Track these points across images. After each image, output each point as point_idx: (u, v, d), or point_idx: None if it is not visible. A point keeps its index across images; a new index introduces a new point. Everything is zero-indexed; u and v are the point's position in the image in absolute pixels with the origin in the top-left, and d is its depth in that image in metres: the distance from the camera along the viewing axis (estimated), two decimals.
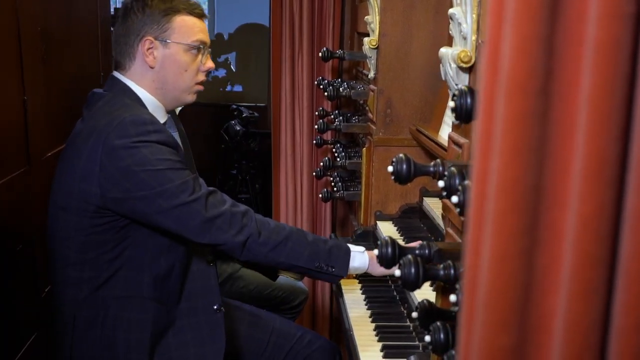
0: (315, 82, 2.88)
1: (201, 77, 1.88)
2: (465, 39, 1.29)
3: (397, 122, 2.35)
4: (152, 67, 1.80)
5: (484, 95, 0.42)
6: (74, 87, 2.61)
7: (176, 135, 1.96)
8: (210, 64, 1.89)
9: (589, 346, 0.37)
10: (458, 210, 1.07)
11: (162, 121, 1.86)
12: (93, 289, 1.74)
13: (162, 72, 1.81)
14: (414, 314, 1.27)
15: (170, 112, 1.95)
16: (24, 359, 2.03)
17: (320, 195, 2.70)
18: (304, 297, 2.71)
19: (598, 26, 0.34)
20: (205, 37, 1.86)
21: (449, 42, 2.23)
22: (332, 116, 2.76)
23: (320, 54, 2.65)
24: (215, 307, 1.87)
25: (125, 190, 1.63)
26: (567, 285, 0.38)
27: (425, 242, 1.26)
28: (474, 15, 1.26)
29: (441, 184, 1.15)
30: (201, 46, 1.84)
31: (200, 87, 1.90)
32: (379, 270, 1.89)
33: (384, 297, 2.05)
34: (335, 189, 2.69)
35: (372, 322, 1.88)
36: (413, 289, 1.17)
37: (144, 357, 1.75)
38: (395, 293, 2.08)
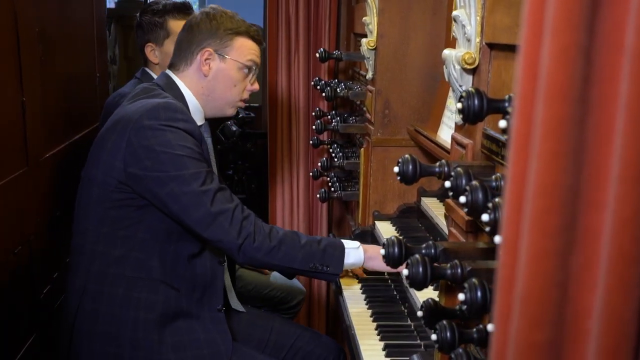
0: (312, 83, 2.89)
1: (246, 95, 2.03)
2: (469, 40, 1.31)
3: (395, 122, 2.37)
4: (205, 76, 1.95)
5: (521, 101, 0.43)
6: (71, 88, 2.60)
7: (210, 141, 2.05)
8: (256, 85, 2.05)
9: (624, 341, 0.39)
10: (466, 210, 1.09)
11: (198, 124, 1.93)
12: (104, 264, 1.81)
13: (213, 82, 1.95)
14: (419, 313, 1.28)
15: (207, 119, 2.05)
16: None
17: (318, 196, 2.71)
18: (302, 297, 2.72)
19: (636, 34, 0.36)
20: (258, 60, 2.02)
21: (447, 43, 2.27)
22: (329, 117, 2.78)
23: (317, 55, 2.66)
24: (218, 306, 1.92)
25: (144, 168, 1.73)
26: (603, 283, 0.40)
27: (430, 242, 1.27)
28: (478, 18, 1.28)
29: (447, 184, 1.17)
30: (253, 67, 1.99)
31: (242, 104, 2.05)
32: (374, 265, 1.93)
33: (384, 296, 2.07)
34: (332, 189, 2.70)
35: (374, 321, 1.90)
36: (421, 288, 1.19)
37: (153, 335, 1.79)
38: (395, 292, 2.10)
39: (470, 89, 1.08)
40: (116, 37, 4.31)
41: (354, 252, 1.90)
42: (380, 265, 1.93)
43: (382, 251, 1.27)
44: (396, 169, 1.26)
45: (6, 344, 1.91)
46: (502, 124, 0.92)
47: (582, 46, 0.39)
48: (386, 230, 2.29)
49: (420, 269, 1.16)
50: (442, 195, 2.28)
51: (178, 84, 1.96)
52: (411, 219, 2.36)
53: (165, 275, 1.84)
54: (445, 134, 2.02)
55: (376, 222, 2.38)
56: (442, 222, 1.99)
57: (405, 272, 1.18)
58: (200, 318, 1.88)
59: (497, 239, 0.88)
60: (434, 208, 2.16)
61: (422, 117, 2.35)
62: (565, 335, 0.43)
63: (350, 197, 2.65)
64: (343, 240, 1.92)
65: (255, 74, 2.02)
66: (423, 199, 2.30)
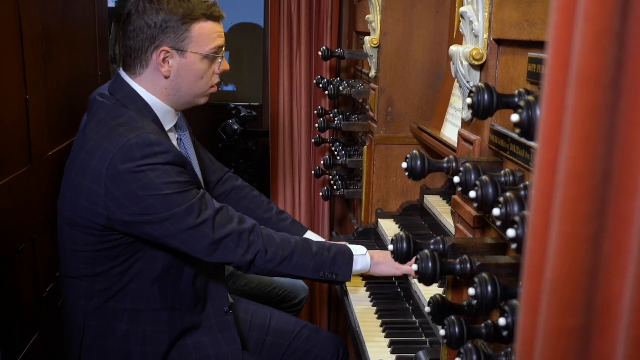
0: (314, 81, 2.89)
1: (216, 79, 1.83)
2: (476, 37, 1.31)
3: (398, 120, 2.37)
4: (166, 77, 1.74)
5: (551, 88, 0.44)
6: (72, 87, 2.60)
7: (187, 135, 1.94)
8: (225, 65, 1.83)
9: None
10: (476, 205, 1.09)
11: (172, 124, 1.84)
12: (103, 300, 1.74)
13: (177, 81, 1.75)
14: (427, 309, 1.29)
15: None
16: (27, 359, 2.02)
17: (321, 194, 2.72)
18: (305, 294, 2.72)
19: None
20: (222, 41, 1.80)
21: (450, 41, 2.27)
22: (332, 115, 2.78)
23: (320, 53, 2.66)
24: (225, 309, 1.89)
25: (133, 214, 1.60)
26: (634, 269, 0.40)
27: (439, 238, 1.27)
28: (486, 14, 1.28)
29: (457, 179, 1.17)
30: (218, 52, 1.78)
31: (214, 89, 1.85)
32: (381, 270, 1.92)
33: (388, 293, 2.07)
34: (335, 187, 2.70)
35: (378, 318, 1.90)
36: (430, 284, 1.19)
37: None
38: (399, 290, 2.10)
39: (480, 84, 1.08)
40: (116, 37, 4.31)
41: (362, 259, 1.88)
42: (386, 270, 1.92)
43: (391, 247, 1.27)
44: (404, 165, 1.26)
45: (10, 341, 1.91)
46: (515, 118, 0.92)
47: (615, 32, 0.39)
48: (389, 228, 2.30)
49: (430, 264, 1.16)
50: (445, 193, 2.29)
51: (139, 91, 1.75)
52: (414, 217, 2.36)
53: (167, 300, 1.78)
54: (449, 131, 2.03)
55: (379, 220, 2.38)
56: (445, 220, 1.99)
57: (414, 267, 1.18)
58: (208, 327, 1.85)
59: (510, 232, 0.89)
60: (437, 206, 2.16)
61: (425, 115, 2.36)
62: (595, 322, 0.43)
63: (353, 195, 2.65)
64: (351, 247, 1.90)
65: (221, 57, 1.80)
66: (426, 196, 2.30)
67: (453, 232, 1.82)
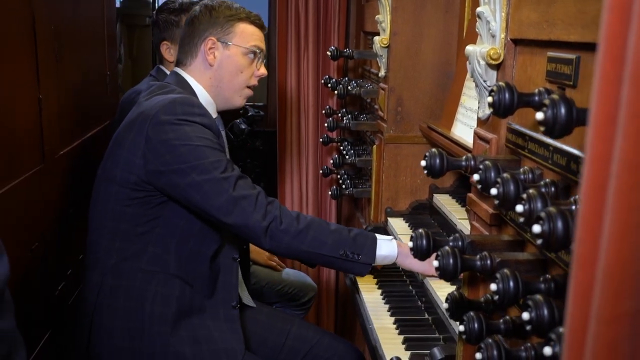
0: (322, 81, 2.91)
1: (253, 81, 2.01)
2: (493, 36, 1.33)
3: (407, 119, 2.39)
4: (211, 65, 1.95)
5: (604, 84, 0.45)
6: (83, 86, 2.61)
7: (224, 134, 2.04)
8: (263, 70, 2.02)
9: None
10: (497, 202, 1.10)
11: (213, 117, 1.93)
12: (121, 259, 1.83)
13: (220, 71, 1.95)
14: (444, 305, 1.30)
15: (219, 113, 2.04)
16: (40, 358, 2.03)
17: (329, 193, 2.73)
18: (314, 293, 2.74)
19: None
20: (262, 45, 2.00)
21: (459, 40, 2.29)
22: (340, 114, 2.80)
23: (328, 53, 2.67)
24: (233, 303, 1.92)
25: (165, 163, 1.74)
26: None
27: (458, 234, 1.29)
28: (503, 14, 1.30)
29: (476, 177, 1.19)
30: (258, 51, 1.98)
31: (250, 92, 2.03)
32: (411, 263, 1.80)
33: (400, 291, 2.09)
34: (343, 186, 2.72)
35: (391, 315, 1.92)
36: (451, 280, 1.20)
37: (168, 328, 1.80)
38: (411, 288, 2.12)
39: (500, 83, 1.10)
40: (121, 37, 4.31)
41: (387, 244, 1.80)
42: (418, 266, 1.80)
43: (411, 244, 1.29)
44: (423, 163, 1.28)
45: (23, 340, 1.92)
46: (539, 116, 0.93)
47: None
48: (399, 226, 2.31)
49: (451, 260, 1.18)
50: (454, 191, 2.30)
51: (188, 80, 1.96)
52: (424, 216, 2.38)
53: (181, 270, 1.85)
54: (460, 130, 2.04)
55: (389, 218, 2.40)
56: (455, 218, 2.01)
57: (435, 263, 1.20)
58: (214, 315, 1.88)
59: (536, 228, 0.90)
60: (446, 204, 2.18)
61: (435, 115, 2.37)
62: None
63: (362, 194, 2.67)
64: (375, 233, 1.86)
65: (260, 59, 2.00)
66: (435, 195, 2.31)
67: (462, 230, 1.84)
